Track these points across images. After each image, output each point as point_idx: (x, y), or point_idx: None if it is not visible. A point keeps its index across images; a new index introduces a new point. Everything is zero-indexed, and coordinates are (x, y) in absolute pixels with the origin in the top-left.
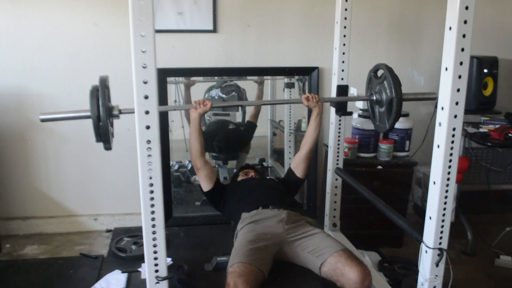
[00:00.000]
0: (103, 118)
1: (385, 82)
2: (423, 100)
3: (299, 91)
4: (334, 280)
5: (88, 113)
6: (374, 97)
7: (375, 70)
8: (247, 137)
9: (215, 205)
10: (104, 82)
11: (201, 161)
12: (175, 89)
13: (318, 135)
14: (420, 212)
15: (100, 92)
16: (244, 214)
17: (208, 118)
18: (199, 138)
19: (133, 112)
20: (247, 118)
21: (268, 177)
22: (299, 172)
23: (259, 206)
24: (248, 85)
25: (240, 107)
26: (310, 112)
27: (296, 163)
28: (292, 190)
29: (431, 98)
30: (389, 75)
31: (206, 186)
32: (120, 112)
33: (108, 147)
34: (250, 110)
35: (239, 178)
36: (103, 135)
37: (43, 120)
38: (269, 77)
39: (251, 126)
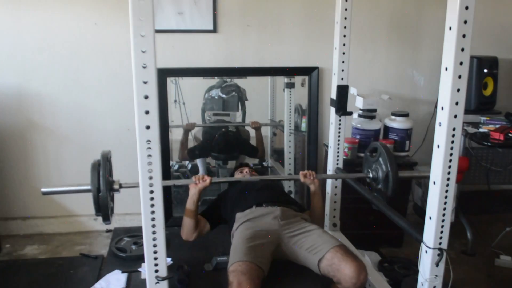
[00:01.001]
0: (103, 192)
1: (380, 159)
2: (417, 179)
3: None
4: (331, 276)
5: (89, 187)
6: (371, 175)
7: (371, 149)
8: (246, 142)
9: (223, 223)
10: (105, 156)
11: (194, 235)
12: (175, 89)
13: (324, 210)
14: (420, 212)
15: (102, 167)
16: (238, 214)
17: (208, 118)
18: (195, 216)
19: (134, 187)
20: (256, 143)
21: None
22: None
23: (253, 205)
24: (248, 85)
25: (240, 107)
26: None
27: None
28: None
29: (425, 177)
30: (383, 151)
31: (205, 232)
32: (121, 186)
33: (107, 222)
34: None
35: (235, 175)
36: (103, 209)
37: (45, 193)
38: (269, 77)
39: (254, 150)
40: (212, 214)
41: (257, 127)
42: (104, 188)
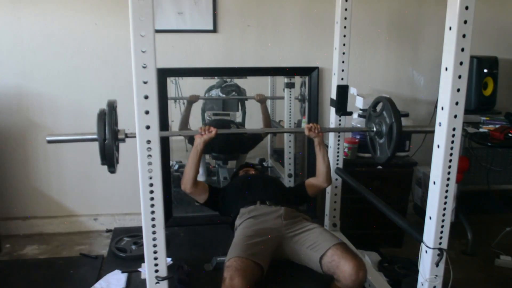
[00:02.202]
0: (109, 141)
1: (384, 112)
2: (421, 133)
3: (299, 96)
4: (331, 273)
5: (95, 136)
6: (374, 129)
7: (374, 105)
8: (249, 142)
9: (216, 210)
10: (111, 105)
11: (193, 187)
12: (175, 89)
13: (329, 162)
14: (420, 212)
15: (107, 116)
16: (242, 210)
17: (208, 118)
18: (197, 165)
19: None
20: (262, 116)
21: (267, 174)
22: (311, 191)
23: (257, 201)
24: (248, 85)
25: (240, 107)
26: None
27: (311, 185)
28: (297, 201)
29: (430, 131)
30: (388, 104)
31: (201, 199)
32: (126, 136)
33: (112, 170)
34: (252, 114)
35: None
36: (108, 158)
37: (49, 142)
38: (269, 77)
39: (257, 137)
40: (215, 192)
41: (262, 100)
42: (109, 137)
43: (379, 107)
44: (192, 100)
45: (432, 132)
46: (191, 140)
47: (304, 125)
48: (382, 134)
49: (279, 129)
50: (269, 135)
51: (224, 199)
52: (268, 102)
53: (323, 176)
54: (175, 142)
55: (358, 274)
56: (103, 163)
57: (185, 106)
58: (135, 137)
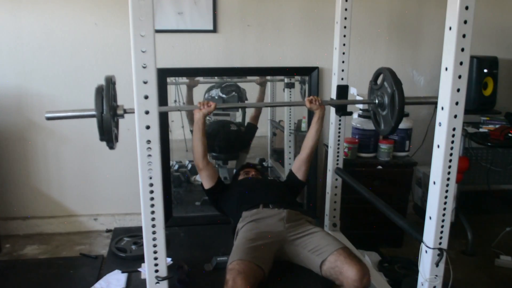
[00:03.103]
0: (107, 117)
1: (385, 83)
2: (424, 104)
3: (301, 92)
4: (333, 279)
5: (93, 112)
6: (376, 100)
7: (374, 77)
8: (247, 138)
9: (215, 203)
10: (109, 81)
11: (204, 162)
12: (175, 89)
13: (319, 138)
14: (420, 212)
15: (105, 91)
16: (244, 213)
17: (208, 118)
18: (203, 139)
19: None
20: (248, 120)
21: (269, 177)
22: (300, 175)
23: (260, 204)
24: (248, 85)
25: (239, 108)
26: (310, 114)
27: (297, 166)
28: (294, 193)
29: (432, 102)
30: (388, 74)
31: (207, 184)
32: (125, 111)
33: (111, 146)
34: (250, 112)
35: (240, 177)
36: (107, 134)
37: (48, 118)
38: (269, 77)
39: (251, 128)
40: (221, 185)
41: (262, 82)
42: (108, 112)
43: (380, 80)
44: (191, 85)
45: (434, 103)
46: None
47: (304, 124)
48: (384, 106)
49: (278, 103)
50: (269, 135)
51: (226, 197)
52: (268, 102)
53: (308, 149)
54: (175, 142)
55: (363, 280)
56: (101, 139)
57: (186, 92)
58: (133, 112)
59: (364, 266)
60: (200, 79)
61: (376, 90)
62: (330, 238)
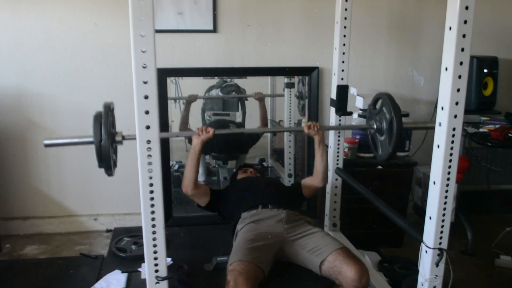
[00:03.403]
0: (106, 144)
1: (384, 108)
2: (422, 129)
3: (297, 93)
4: (333, 278)
5: (91, 139)
6: (375, 125)
7: (373, 102)
8: (249, 139)
9: (217, 212)
10: (108, 107)
11: (194, 188)
12: (175, 89)
13: (327, 161)
14: (420, 212)
15: (104, 118)
16: (244, 214)
17: (208, 118)
18: (197, 166)
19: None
20: (256, 123)
21: (268, 176)
22: (306, 192)
23: (259, 205)
24: (248, 85)
25: (240, 107)
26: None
27: (307, 185)
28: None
29: (431, 127)
30: (387, 99)
31: (203, 202)
32: (124, 138)
33: (109, 173)
34: (257, 118)
35: (238, 177)
36: (105, 161)
37: (47, 145)
38: (268, 77)
39: (255, 136)
40: (216, 196)
41: (261, 98)
42: (106, 139)
43: (379, 105)
44: (190, 100)
45: (433, 128)
46: (191, 139)
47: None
48: (382, 131)
49: (278, 128)
50: (269, 135)
51: (225, 203)
52: (268, 101)
53: (320, 175)
54: (175, 142)
55: (361, 280)
56: (100, 166)
57: (184, 106)
58: (132, 139)
59: (363, 265)
60: (199, 84)
61: (374, 115)
62: (329, 238)
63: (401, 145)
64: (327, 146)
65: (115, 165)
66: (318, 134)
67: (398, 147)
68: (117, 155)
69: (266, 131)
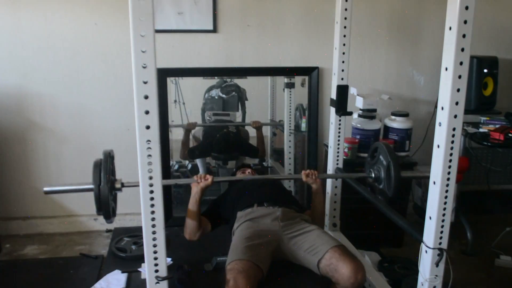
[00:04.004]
0: (105, 191)
1: (380, 156)
2: (418, 179)
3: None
4: (330, 276)
5: (91, 186)
6: (373, 174)
7: (371, 153)
8: (248, 143)
9: (224, 223)
10: (108, 155)
11: (198, 235)
12: (175, 89)
13: (324, 210)
14: (420, 212)
15: (103, 165)
16: (239, 213)
17: (208, 118)
18: (198, 215)
19: (137, 186)
20: (257, 143)
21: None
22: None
23: (254, 203)
24: (248, 85)
25: (239, 107)
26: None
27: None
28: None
29: (425, 177)
30: (383, 146)
31: (207, 231)
32: (123, 185)
33: (109, 221)
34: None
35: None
36: (104, 209)
37: (47, 193)
38: (269, 77)
39: (254, 149)
40: (213, 214)
41: (258, 127)
42: (105, 187)
43: (376, 155)
44: (189, 128)
45: (428, 177)
46: (191, 155)
47: (304, 124)
48: (380, 180)
49: (277, 176)
50: (269, 134)
51: (224, 209)
52: (268, 101)
53: (319, 218)
54: (175, 142)
55: (357, 276)
56: (98, 213)
57: (183, 134)
58: (132, 186)
59: (358, 262)
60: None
61: (372, 165)
62: (325, 236)
63: (401, 144)
64: (326, 146)
65: (114, 213)
66: (315, 183)
67: (397, 193)
68: (117, 203)
69: (264, 178)
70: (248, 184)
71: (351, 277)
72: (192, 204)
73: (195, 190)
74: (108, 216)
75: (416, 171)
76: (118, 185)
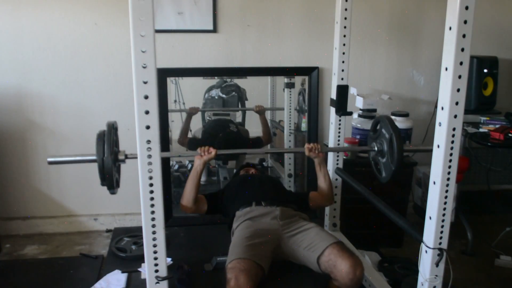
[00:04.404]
0: (108, 162)
1: (383, 130)
2: (420, 152)
3: (299, 96)
4: (328, 272)
5: (94, 157)
6: (376, 148)
7: (373, 127)
8: (249, 142)
9: (219, 213)
10: (111, 127)
11: (194, 206)
12: (175, 89)
13: (331, 181)
14: (420, 212)
15: (107, 136)
16: (238, 213)
17: (208, 118)
18: (197, 187)
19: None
20: (259, 134)
21: (266, 175)
22: (313, 205)
23: (252, 202)
24: (248, 85)
25: (239, 106)
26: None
27: (315, 199)
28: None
29: (428, 150)
30: (385, 120)
31: (202, 210)
32: (126, 157)
33: (112, 191)
34: (255, 118)
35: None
36: (108, 179)
37: (50, 163)
38: (269, 77)
39: (258, 142)
40: (212, 200)
41: (261, 111)
42: (109, 158)
43: (378, 128)
44: (191, 113)
45: (429, 150)
46: (190, 145)
47: (304, 124)
48: (384, 152)
49: (279, 149)
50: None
51: (222, 202)
52: (268, 102)
53: (325, 196)
54: (175, 142)
55: (355, 272)
56: (102, 184)
57: (184, 118)
58: (135, 157)
59: (356, 258)
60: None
61: (375, 139)
62: (324, 233)
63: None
64: (326, 146)
65: (117, 184)
66: (318, 157)
67: (400, 165)
68: (120, 175)
69: (267, 152)
70: (246, 182)
71: (349, 272)
72: (193, 175)
73: (198, 162)
74: (111, 186)
75: (419, 145)
76: (121, 157)
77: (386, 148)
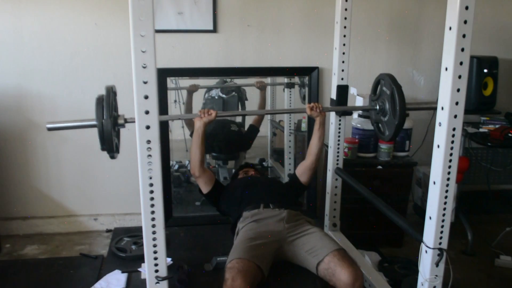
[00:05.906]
0: (108, 126)
1: (384, 88)
2: (422, 110)
3: (300, 95)
4: (327, 280)
5: (94, 122)
6: (377, 106)
7: (374, 88)
8: (248, 139)
9: (215, 205)
10: (110, 91)
11: (201, 169)
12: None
13: (323, 144)
14: (420, 212)
15: (106, 101)
16: (245, 213)
17: None
18: (202, 147)
19: None
20: (250, 121)
21: (267, 176)
22: (303, 179)
23: (261, 204)
24: (248, 86)
25: (240, 107)
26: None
27: (301, 171)
28: (295, 195)
29: (432, 108)
30: (387, 77)
31: (205, 189)
32: (126, 121)
33: (112, 156)
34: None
35: (239, 177)
36: (108, 144)
37: (50, 129)
38: (269, 79)
39: (253, 130)
40: (218, 186)
41: (262, 86)
42: (108, 122)
43: (379, 88)
44: (191, 90)
45: (433, 109)
46: (192, 125)
47: (304, 124)
48: (385, 111)
49: (279, 110)
50: (269, 135)
51: (225, 198)
52: (268, 102)
53: (313, 156)
54: (175, 142)
55: (355, 284)
56: (102, 148)
57: (186, 97)
58: (133, 122)
59: (357, 269)
60: (200, 84)
61: (376, 100)
62: (327, 239)
63: (401, 144)
64: (326, 146)
65: (117, 149)
66: (320, 116)
67: (403, 121)
68: (120, 139)
69: (267, 113)
70: (253, 184)
71: (348, 284)
72: (195, 138)
73: (198, 124)
74: (111, 150)
75: (421, 103)
76: (121, 121)
77: (388, 105)
